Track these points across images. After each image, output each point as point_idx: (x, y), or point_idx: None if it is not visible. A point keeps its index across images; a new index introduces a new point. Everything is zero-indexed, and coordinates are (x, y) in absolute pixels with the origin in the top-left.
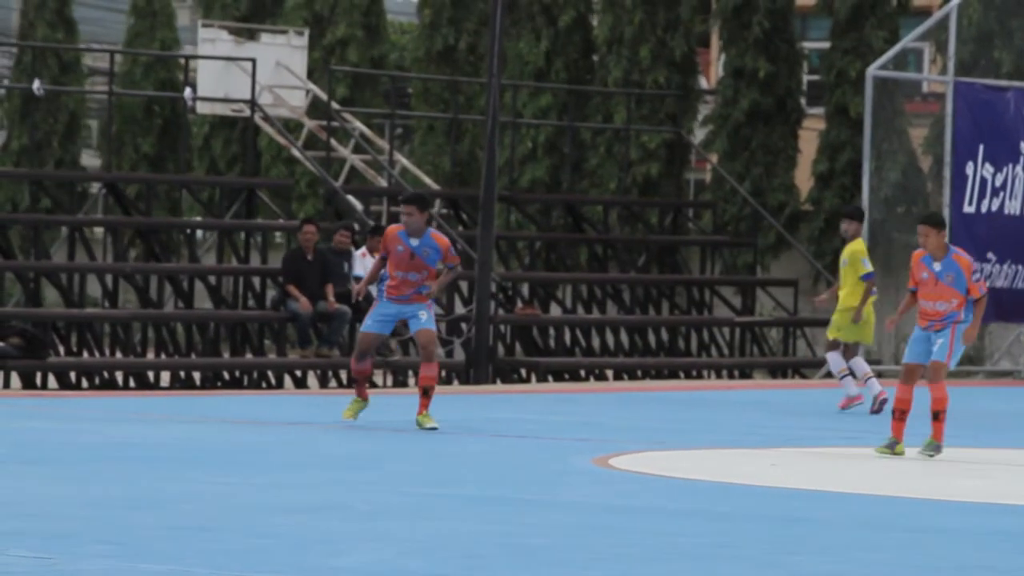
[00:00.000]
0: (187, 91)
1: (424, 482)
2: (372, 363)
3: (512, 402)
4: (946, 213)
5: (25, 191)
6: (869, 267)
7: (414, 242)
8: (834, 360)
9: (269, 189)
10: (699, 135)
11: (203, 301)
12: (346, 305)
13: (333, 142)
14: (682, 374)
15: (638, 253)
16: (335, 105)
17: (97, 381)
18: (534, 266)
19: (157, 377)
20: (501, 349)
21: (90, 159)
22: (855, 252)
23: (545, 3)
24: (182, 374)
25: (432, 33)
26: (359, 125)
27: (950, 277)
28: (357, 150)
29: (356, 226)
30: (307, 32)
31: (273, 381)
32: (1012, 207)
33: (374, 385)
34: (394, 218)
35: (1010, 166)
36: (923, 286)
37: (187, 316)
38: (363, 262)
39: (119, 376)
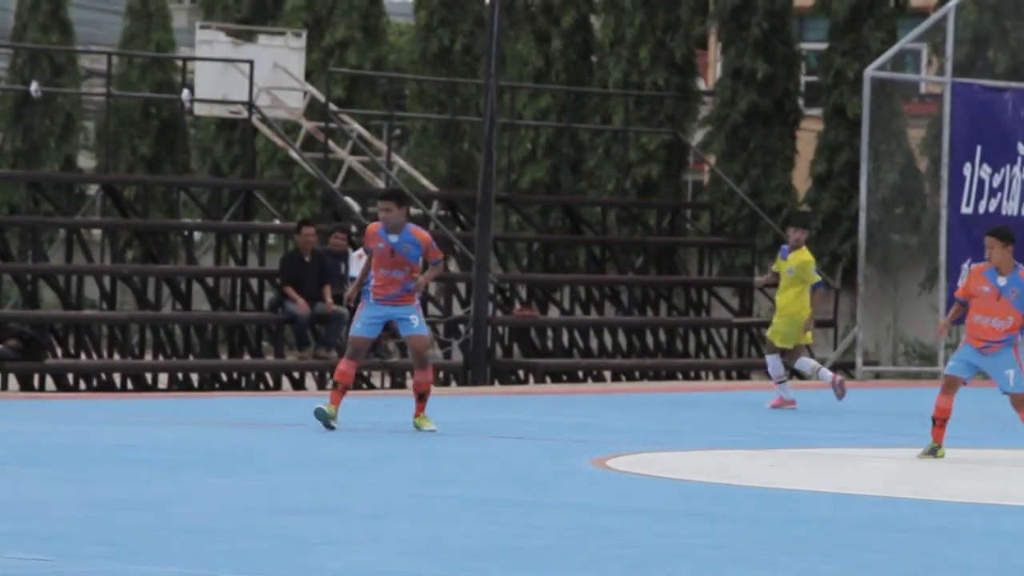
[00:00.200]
0: (185, 93)
1: (422, 483)
2: (356, 372)
3: (510, 403)
4: (943, 214)
5: (22, 193)
6: (819, 276)
7: (393, 238)
8: (773, 364)
9: (266, 190)
10: (697, 136)
11: (201, 303)
12: (343, 306)
13: (331, 143)
14: (680, 375)
15: (636, 254)
16: (333, 107)
17: (95, 383)
18: (532, 267)
19: (155, 379)
20: (499, 350)
21: (86, 161)
22: (805, 263)
23: (546, 4)
24: (180, 376)
25: (428, 35)
26: (356, 127)
27: (1015, 293)
28: (355, 151)
29: (353, 227)
30: (305, 34)
31: (271, 383)
32: (1010, 208)
33: (371, 387)
34: None
35: (1008, 167)
36: (981, 300)
37: (185, 318)
38: (359, 264)
39: (117, 378)
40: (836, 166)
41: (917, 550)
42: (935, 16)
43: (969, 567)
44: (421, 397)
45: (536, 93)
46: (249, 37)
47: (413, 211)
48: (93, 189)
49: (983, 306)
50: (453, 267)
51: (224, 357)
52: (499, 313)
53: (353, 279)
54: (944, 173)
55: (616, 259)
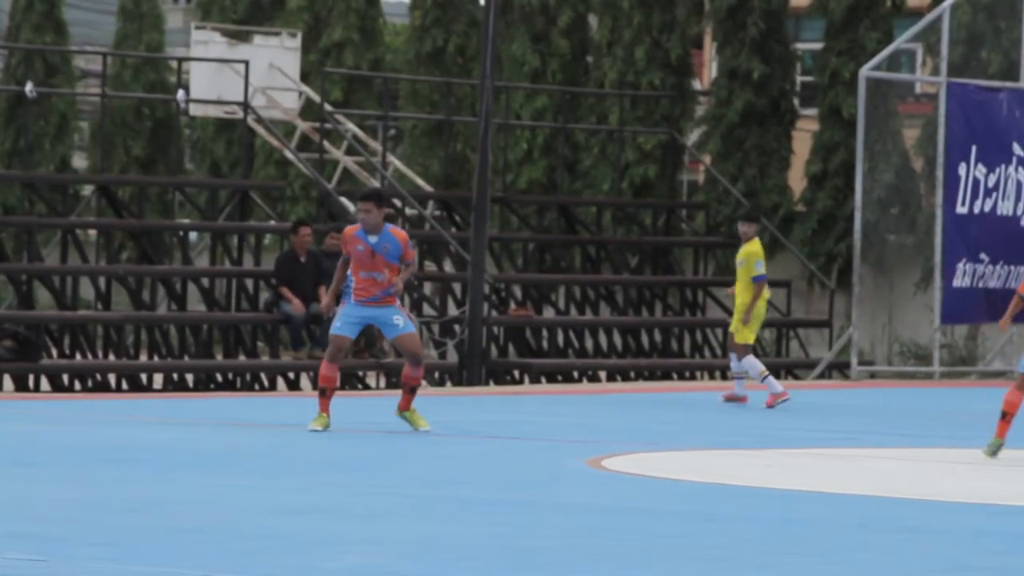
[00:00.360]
0: (180, 93)
1: (417, 484)
2: (339, 370)
3: (505, 404)
4: (939, 214)
5: (17, 193)
6: (762, 269)
7: (373, 239)
8: (735, 362)
9: (261, 191)
10: (693, 136)
11: (196, 303)
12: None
13: (326, 144)
14: (675, 375)
15: (631, 254)
16: (328, 107)
17: (90, 383)
18: (527, 268)
19: (150, 379)
20: (494, 351)
21: (80, 161)
22: (751, 254)
23: (542, 4)
24: (175, 376)
25: (422, 35)
26: (352, 127)
27: None
28: (350, 152)
29: None
30: (300, 34)
31: (266, 383)
32: (1005, 208)
33: (367, 387)
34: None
35: (1003, 167)
36: None
37: (180, 318)
38: None
39: (112, 378)
40: (832, 166)
41: (912, 551)
42: (930, 16)
43: (967, 567)
44: (411, 391)
45: (532, 93)
46: (244, 37)
47: (409, 212)
48: (88, 189)
49: None
50: (448, 267)
51: (219, 358)
52: (494, 313)
53: None
54: (939, 173)
55: (611, 259)
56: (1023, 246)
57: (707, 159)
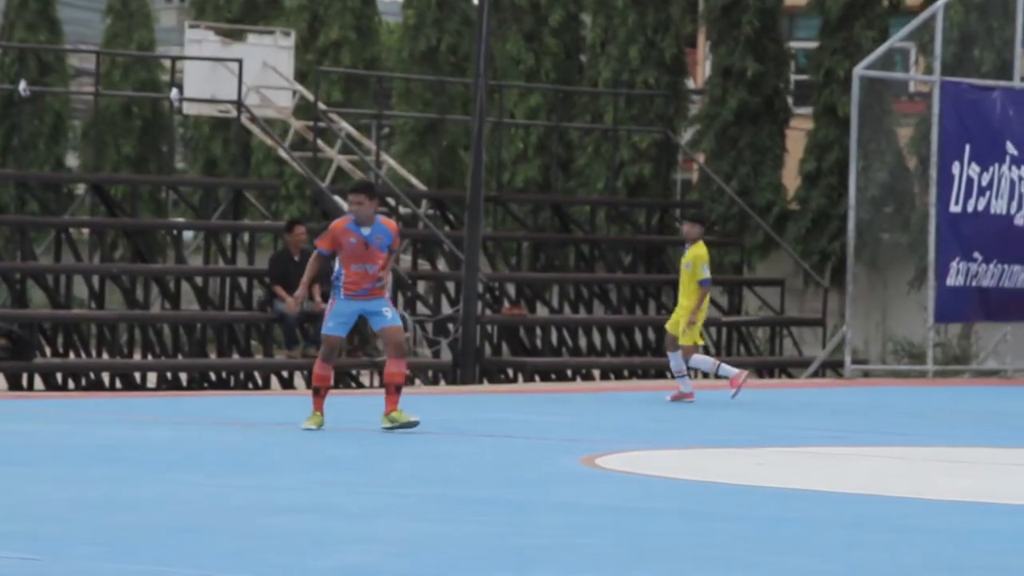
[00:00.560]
0: (173, 92)
1: (411, 482)
2: (333, 369)
3: (499, 402)
4: (932, 213)
5: (10, 192)
6: (707, 273)
7: (366, 231)
8: (675, 359)
9: (255, 190)
10: (686, 135)
11: (190, 302)
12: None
13: (320, 143)
14: (669, 374)
15: (625, 253)
16: (322, 106)
17: (83, 382)
18: (521, 266)
19: (143, 378)
20: (488, 349)
21: (72, 160)
22: (698, 257)
23: (534, 3)
24: (168, 375)
25: (416, 34)
26: (345, 125)
27: None
28: (344, 151)
29: None
30: (293, 33)
31: (260, 382)
32: (998, 207)
33: (360, 385)
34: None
35: (996, 165)
36: None
37: (173, 317)
38: None
39: (105, 377)
40: (826, 164)
41: (905, 549)
42: (923, 16)
43: (960, 566)
44: (396, 390)
45: (526, 92)
46: (238, 36)
47: (402, 210)
48: (81, 188)
49: None
50: (442, 266)
51: (213, 356)
52: (488, 312)
53: None
54: (933, 172)
55: (605, 258)
56: (1016, 245)
57: (701, 158)
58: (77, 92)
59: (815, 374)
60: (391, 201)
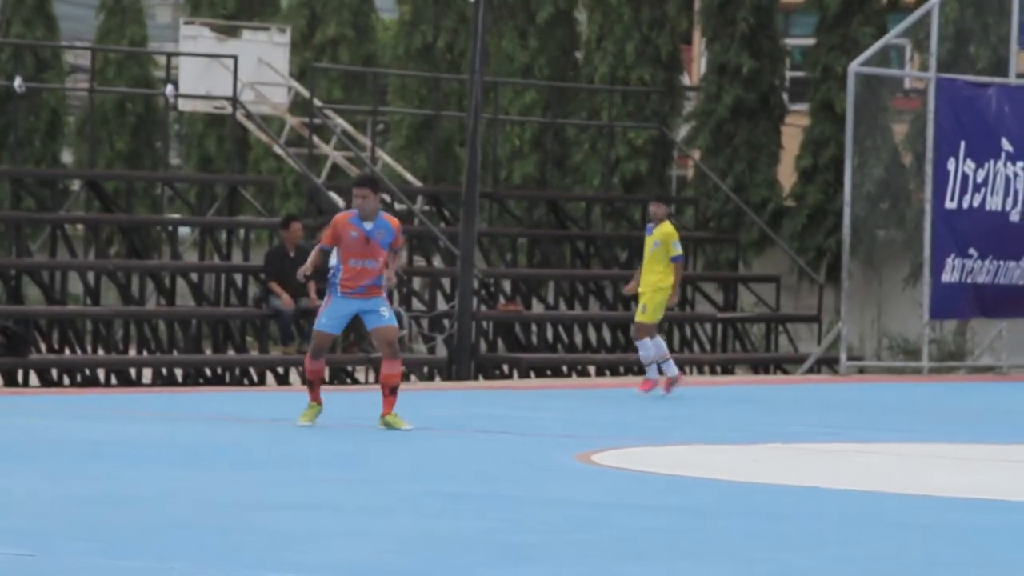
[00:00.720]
0: (168, 88)
1: (407, 478)
2: (325, 363)
3: (494, 398)
4: (928, 209)
5: (5, 188)
6: (680, 249)
7: (368, 226)
8: (656, 345)
9: (252, 186)
10: (682, 131)
11: (185, 298)
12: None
13: (315, 139)
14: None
15: (621, 249)
16: (317, 102)
17: (79, 378)
18: (516, 262)
19: (139, 374)
20: (483, 345)
21: (66, 156)
22: (667, 235)
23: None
24: (164, 371)
25: (411, 31)
26: (341, 122)
27: None
28: (340, 147)
29: None
30: (289, 29)
31: (255, 378)
32: (994, 203)
33: (356, 382)
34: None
35: (991, 162)
36: None
37: (169, 313)
38: None
39: (101, 373)
40: (821, 161)
41: (900, 545)
42: (919, 12)
43: (955, 562)
44: (392, 391)
45: (521, 88)
46: (233, 33)
47: (398, 207)
48: (76, 184)
49: None
50: (438, 262)
51: (208, 352)
52: (483, 308)
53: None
54: (928, 168)
55: (601, 254)
56: (1012, 241)
57: (697, 154)
58: (72, 88)
59: (810, 370)
60: (387, 197)
